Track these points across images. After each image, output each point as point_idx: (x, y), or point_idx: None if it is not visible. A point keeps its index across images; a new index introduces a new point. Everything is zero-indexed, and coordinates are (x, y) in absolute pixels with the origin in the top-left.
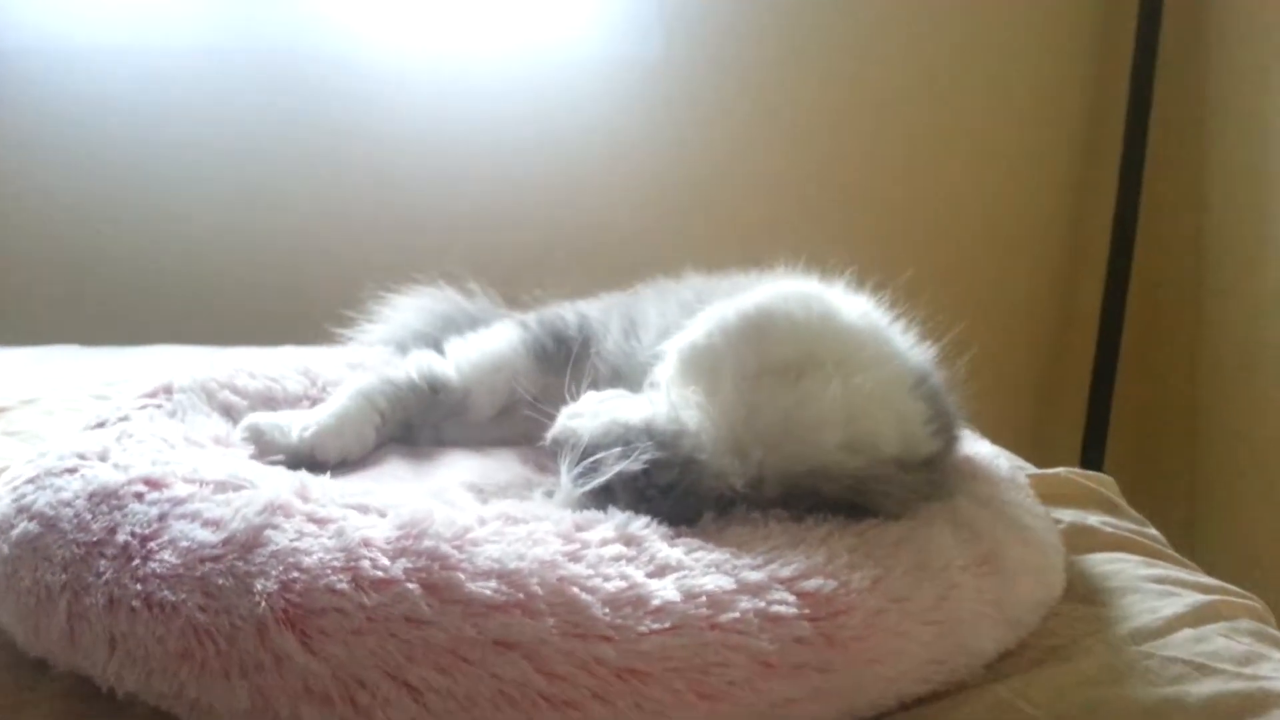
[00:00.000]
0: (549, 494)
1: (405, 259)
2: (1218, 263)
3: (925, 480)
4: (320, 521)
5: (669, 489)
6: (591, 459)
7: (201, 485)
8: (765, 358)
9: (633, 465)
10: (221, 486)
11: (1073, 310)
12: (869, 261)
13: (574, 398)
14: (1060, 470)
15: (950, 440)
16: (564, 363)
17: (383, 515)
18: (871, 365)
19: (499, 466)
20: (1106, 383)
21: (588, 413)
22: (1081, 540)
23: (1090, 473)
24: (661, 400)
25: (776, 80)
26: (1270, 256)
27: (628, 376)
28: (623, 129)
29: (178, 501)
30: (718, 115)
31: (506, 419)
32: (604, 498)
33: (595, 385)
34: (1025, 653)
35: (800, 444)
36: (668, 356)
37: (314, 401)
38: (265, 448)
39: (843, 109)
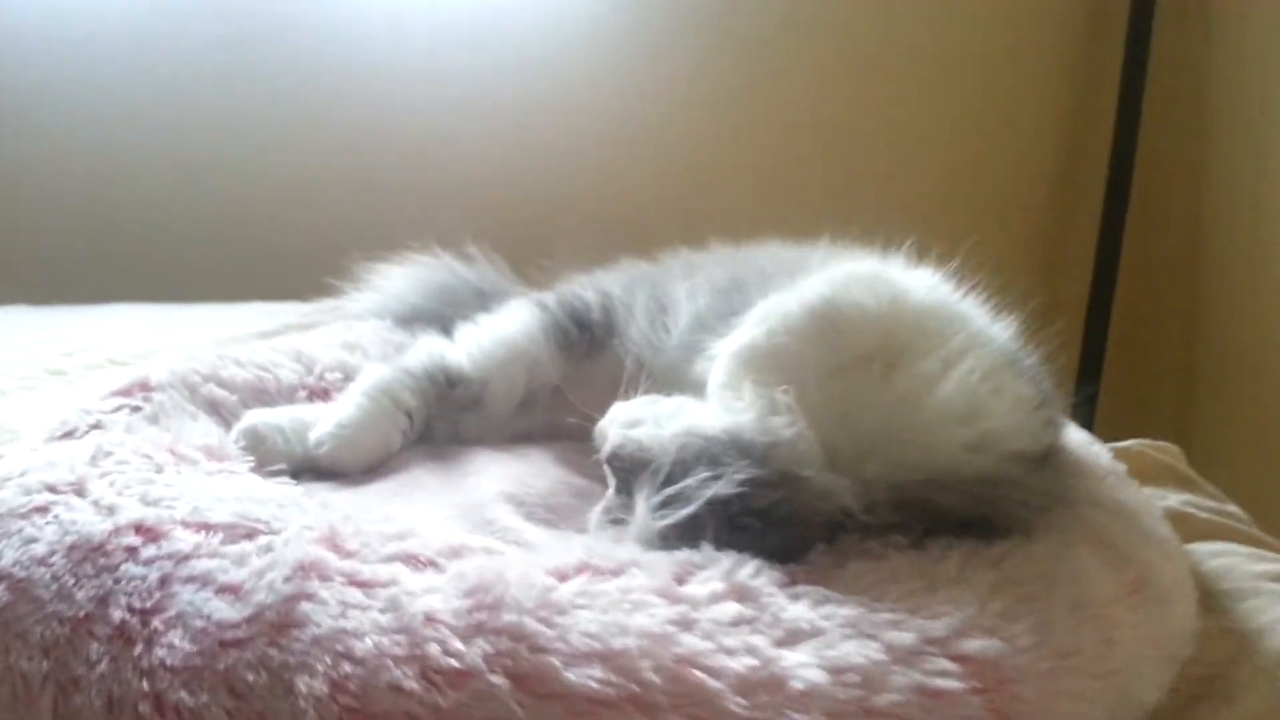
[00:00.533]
0: (613, 520)
1: (393, 220)
2: (1219, 187)
3: (1052, 479)
4: (365, 585)
5: (767, 515)
6: (677, 485)
7: (207, 532)
8: (841, 354)
9: (726, 488)
10: (231, 532)
11: (1068, 241)
12: (868, 209)
13: (619, 398)
14: (1131, 443)
15: (1060, 428)
16: (587, 350)
17: (439, 569)
18: (968, 349)
19: (534, 471)
20: (1103, 309)
21: (648, 419)
22: (1178, 529)
23: (1158, 443)
24: (740, 405)
25: (782, 24)
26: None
27: (656, 371)
28: (620, 74)
29: (180, 558)
30: (717, 62)
31: (527, 411)
32: (690, 531)
33: (620, 378)
34: (1177, 686)
35: (916, 448)
36: (720, 360)
37: (311, 392)
38: (266, 456)
39: (843, 49)
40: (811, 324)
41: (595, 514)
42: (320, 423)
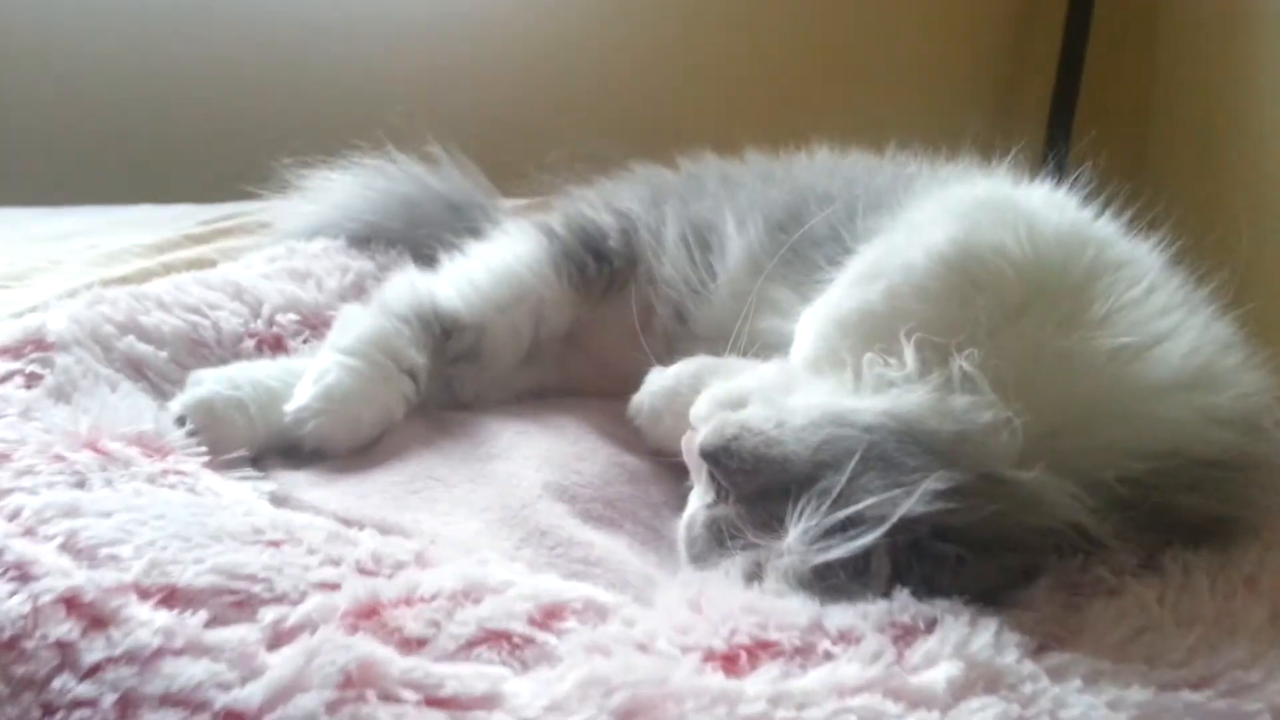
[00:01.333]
0: (718, 536)
1: (332, 112)
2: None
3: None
4: (454, 706)
5: (967, 537)
6: (855, 505)
7: (180, 607)
8: (990, 313)
9: (920, 505)
10: (216, 604)
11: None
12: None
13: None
14: None
15: None
16: (605, 288)
17: (547, 655)
18: (1154, 288)
19: (575, 450)
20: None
21: (752, 396)
22: None
23: None
24: (897, 374)
25: None
26: None
27: (700, 323)
28: None
29: (145, 659)
30: None
31: (534, 363)
32: (860, 563)
33: (651, 326)
34: None
35: (1147, 425)
36: (811, 326)
37: (261, 340)
38: (223, 441)
39: None
40: (945, 278)
41: (686, 527)
42: (298, 390)
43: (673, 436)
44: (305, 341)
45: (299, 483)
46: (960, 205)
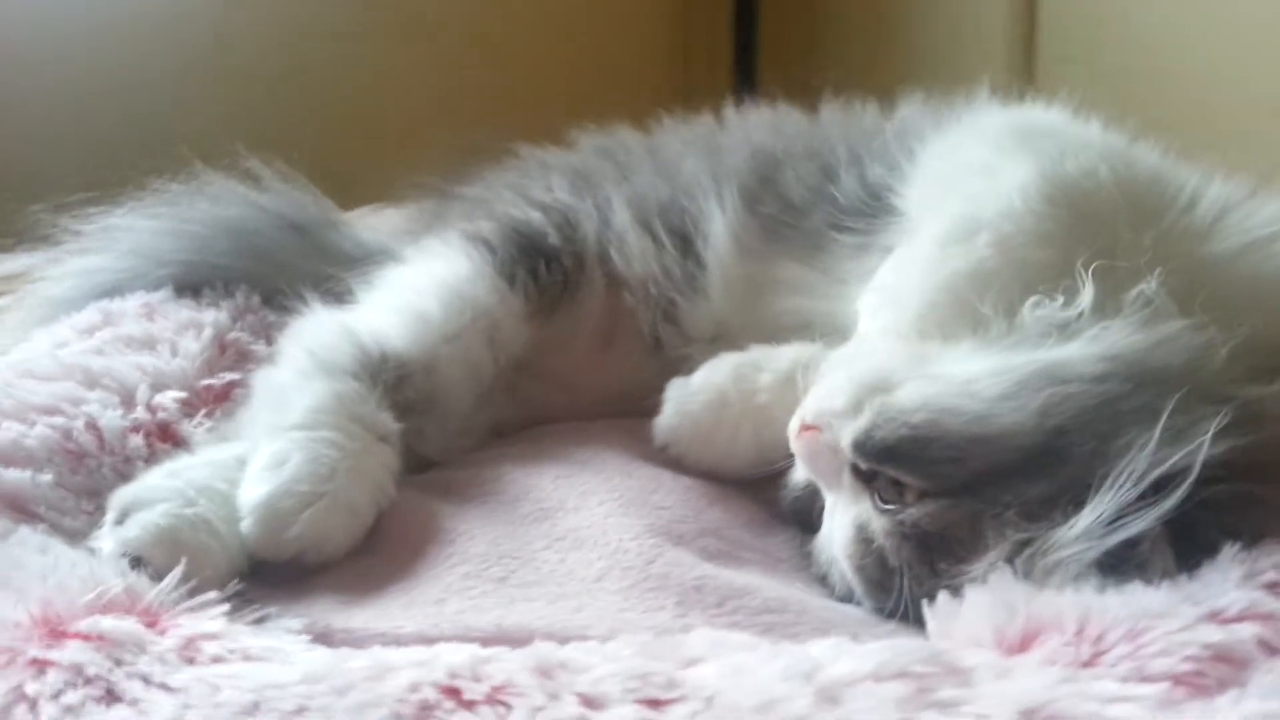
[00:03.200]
0: (955, 543)
1: (108, 136)
2: None
3: None
4: None
5: (1252, 471)
6: (1157, 469)
7: None
8: (1135, 232)
9: (1215, 447)
10: None
11: None
12: None
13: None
14: None
15: None
16: (557, 297)
17: None
18: (1218, 189)
19: (637, 484)
20: None
21: (897, 374)
22: None
23: None
24: (1066, 314)
25: None
26: None
27: (696, 320)
28: None
29: None
30: None
31: (488, 399)
32: (1127, 555)
33: (622, 335)
34: None
35: None
36: (896, 299)
37: (146, 432)
38: (205, 577)
39: None
40: (1055, 216)
41: (856, 541)
42: (249, 488)
43: (737, 453)
44: (197, 425)
45: (325, 610)
46: (1012, 138)
